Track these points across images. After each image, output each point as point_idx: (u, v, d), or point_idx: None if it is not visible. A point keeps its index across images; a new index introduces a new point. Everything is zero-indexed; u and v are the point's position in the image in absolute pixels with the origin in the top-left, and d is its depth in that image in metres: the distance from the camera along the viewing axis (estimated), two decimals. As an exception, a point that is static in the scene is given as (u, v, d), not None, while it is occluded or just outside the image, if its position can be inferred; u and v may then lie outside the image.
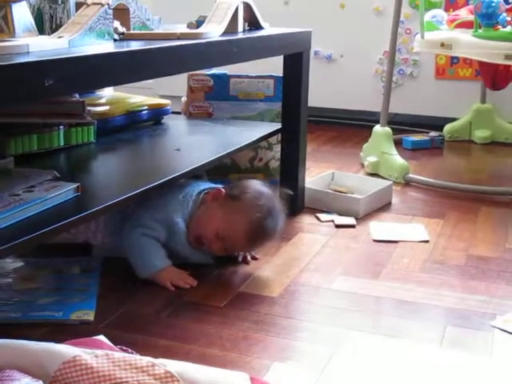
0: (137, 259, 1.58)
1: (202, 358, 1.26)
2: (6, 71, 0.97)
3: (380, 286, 1.60)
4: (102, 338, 1.13)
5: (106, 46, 1.33)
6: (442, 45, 2.40)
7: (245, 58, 1.67)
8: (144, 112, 2.02)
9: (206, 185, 1.73)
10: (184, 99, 2.32)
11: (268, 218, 1.61)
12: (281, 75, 2.13)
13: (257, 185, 1.69)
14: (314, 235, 1.93)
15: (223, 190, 1.66)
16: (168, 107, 2.10)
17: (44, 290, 1.52)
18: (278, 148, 2.28)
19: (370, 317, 1.46)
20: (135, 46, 1.37)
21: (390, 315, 1.47)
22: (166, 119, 2.12)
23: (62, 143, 1.72)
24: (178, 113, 2.30)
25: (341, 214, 2.07)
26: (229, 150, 1.76)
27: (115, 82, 1.27)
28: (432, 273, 1.68)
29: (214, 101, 2.29)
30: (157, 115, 2.07)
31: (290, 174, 2.08)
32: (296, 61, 1.96)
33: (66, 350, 1.02)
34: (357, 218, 2.04)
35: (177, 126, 2.10)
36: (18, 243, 1.10)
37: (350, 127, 3.39)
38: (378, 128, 2.58)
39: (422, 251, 1.82)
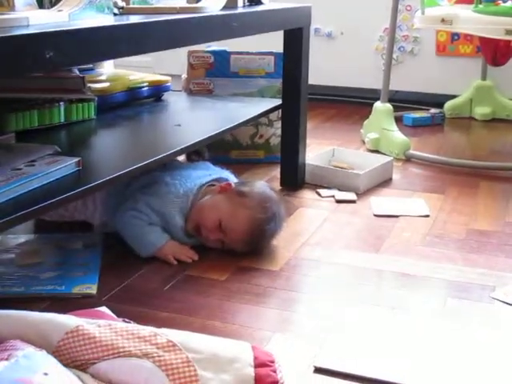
0: (133, 240, 1.59)
1: (204, 330, 1.27)
2: (6, 43, 0.97)
3: (381, 259, 1.61)
4: (104, 309, 1.14)
5: (106, 20, 1.33)
6: (443, 20, 2.39)
7: (245, 32, 1.67)
8: (144, 89, 2.02)
9: (208, 176, 1.72)
10: (184, 76, 2.32)
11: (271, 221, 1.61)
12: (281, 52, 2.12)
13: (266, 188, 1.69)
14: (315, 210, 1.94)
15: (233, 184, 1.65)
16: (168, 84, 2.10)
17: (46, 265, 1.52)
18: (278, 124, 2.29)
19: (371, 290, 1.47)
20: (135, 19, 1.37)
21: (390, 288, 1.48)
22: (166, 96, 2.12)
23: (62, 119, 1.72)
24: (178, 91, 2.30)
25: (341, 190, 2.07)
26: (229, 126, 1.76)
27: (115, 54, 1.26)
28: (432, 246, 1.69)
29: (214, 78, 2.30)
30: (157, 92, 2.08)
31: (290, 149, 2.08)
32: (296, 36, 1.96)
33: (68, 320, 1.02)
34: (357, 194, 2.05)
35: (177, 102, 2.11)
36: (20, 216, 1.11)
37: (350, 104, 3.39)
38: (378, 104, 2.58)
39: (423, 225, 1.82)
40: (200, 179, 1.69)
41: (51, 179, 1.28)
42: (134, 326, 1.04)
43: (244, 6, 1.79)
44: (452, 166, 2.35)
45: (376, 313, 1.37)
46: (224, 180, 1.72)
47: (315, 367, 1.17)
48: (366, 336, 1.28)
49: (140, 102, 2.02)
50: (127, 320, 1.20)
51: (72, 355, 1.00)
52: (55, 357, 0.98)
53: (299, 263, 1.59)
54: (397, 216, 1.89)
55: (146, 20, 1.29)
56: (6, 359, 0.93)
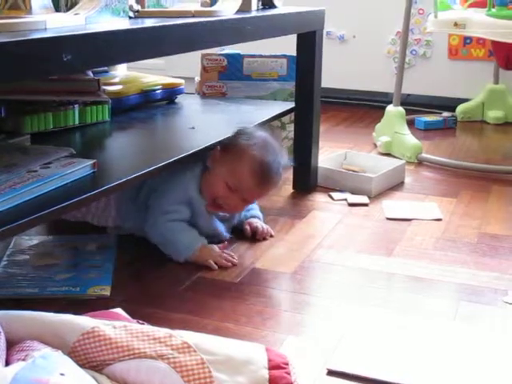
0: (170, 246, 1.59)
1: (217, 332, 1.28)
2: (24, 46, 0.98)
3: (393, 262, 1.62)
4: (119, 310, 1.15)
5: (122, 23, 1.34)
6: (456, 24, 2.40)
7: (258, 36, 1.68)
8: (158, 91, 2.03)
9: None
10: (197, 79, 2.33)
11: (265, 151, 1.61)
12: (294, 55, 2.13)
13: (244, 129, 1.68)
14: (327, 213, 1.94)
15: (218, 148, 1.65)
16: (182, 86, 2.11)
17: (61, 266, 1.54)
18: (291, 127, 2.30)
19: (384, 293, 1.47)
20: (150, 23, 1.38)
21: (403, 291, 1.48)
22: (179, 98, 2.13)
23: (77, 121, 1.74)
24: (191, 94, 2.31)
25: (354, 193, 2.08)
26: (244, 128, 1.76)
27: (131, 58, 1.27)
28: (445, 250, 1.69)
29: (227, 80, 2.31)
30: (171, 94, 2.09)
31: (303, 153, 2.09)
32: (309, 40, 1.96)
33: (84, 321, 1.03)
34: (370, 197, 2.05)
35: (191, 105, 2.12)
36: (36, 218, 1.12)
37: (362, 108, 3.39)
38: (390, 108, 2.58)
39: (435, 229, 1.82)
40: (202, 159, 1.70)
41: (67, 181, 1.29)
42: (149, 328, 1.05)
43: (258, 10, 1.80)
44: (464, 169, 2.35)
45: (389, 316, 1.37)
46: None
47: (328, 370, 1.17)
48: (379, 339, 1.28)
49: (154, 105, 2.03)
50: (141, 322, 1.21)
51: (88, 356, 1.01)
52: (71, 357, 0.99)
53: (312, 266, 1.60)
54: (409, 219, 1.89)
55: (162, 24, 1.30)
56: (23, 359, 0.94)
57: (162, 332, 1.04)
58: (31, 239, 1.68)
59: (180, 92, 2.11)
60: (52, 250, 1.62)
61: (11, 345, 1.01)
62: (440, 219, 1.90)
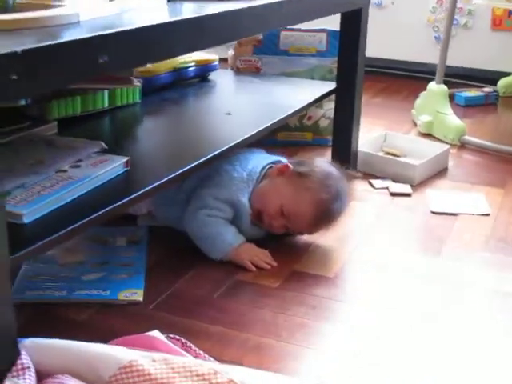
0: (207, 240, 1.48)
1: (259, 349, 1.20)
2: (58, 50, 0.87)
3: (442, 265, 1.52)
4: (156, 333, 1.05)
5: (160, 9, 1.23)
6: (507, -3, 2.24)
7: (301, 19, 1.55)
8: (191, 69, 1.91)
9: (266, 158, 1.64)
10: (231, 53, 2.20)
11: (336, 200, 1.52)
12: (334, 29, 2.00)
13: (325, 164, 1.59)
14: (368, 204, 1.83)
15: (290, 166, 1.55)
16: (215, 63, 1.98)
17: (89, 265, 1.45)
18: (328, 106, 2.18)
19: (433, 301, 1.37)
20: (188, 8, 1.26)
21: (455, 300, 1.37)
22: (212, 75, 2.01)
23: (106, 105, 1.63)
24: (224, 69, 2.18)
25: (395, 180, 1.96)
26: (283, 116, 1.65)
27: (172, 53, 1.16)
28: (496, 252, 1.58)
29: (262, 55, 2.18)
30: (204, 72, 1.96)
31: (343, 136, 1.97)
32: (354, 18, 1.83)
33: (121, 353, 0.94)
34: (412, 185, 1.94)
35: (224, 83, 1.99)
36: (68, 231, 1.03)
37: (398, 78, 3.23)
38: (433, 85, 2.44)
39: (484, 226, 1.71)
40: (260, 161, 1.61)
41: (99, 183, 1.19)
42: (191, 361, 0.96)
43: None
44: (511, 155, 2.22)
45: (440, 327, 1.28)
46: (282, 163, 1.63)
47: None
48: (427, 355, 1.19)
49: (186, 83, 1.91)
50: (178, 338, 1.12)
51: (125, 392, 0.92)
52: (107, 395, 0.91)
53: (354, 269, 1.50)
54: (455, 214, 1.78)
55: (202, 14, 1.17)
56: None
57: (205, 367, 0.95)
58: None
59: (213, 69, 1.99)
60: (78, 244, 1.52)
61: (42, 377, 0.93)
62: (488, 214, 1.78)
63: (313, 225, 1.53)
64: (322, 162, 1.62)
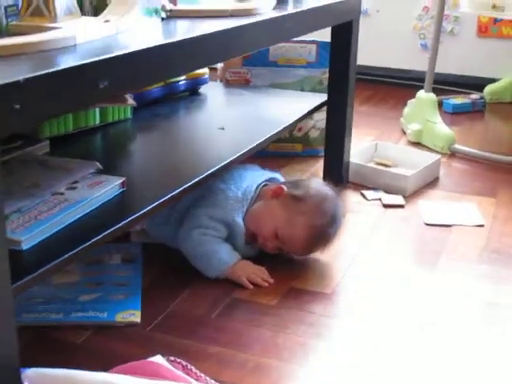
0: (202, 259, 1.47)
1: (259, 370, 1.19)
2: (60, 77, 0.86)
3: (439, 279, 1.51)
4: (158, 359, 1.04)
5: (154, 27, 1.22)
6: (494, 7, 2.25)
7: (297, 33, 1.55)
8: (182, 83, 1.90)
9: (261, 175, 1.63)
10: (220, 65, 2.19)
11: (331, 225, 1.51)
12: (324, 40, 1.99)
13: (320, 186, 1.58)
14: (362, 216, 1.83)
15: (285, 188, 1.54)
16: (206, 76, 1.97)
17: (84, 285, 1.43)
18: (318, 117, 2.18)
19: (432, 316, 1.37)
20: (184, 27, 1.25)
21: (455, 315, 1.37)
22: (202, 88, 1.99)
23: (97, 121, 1.62)
24: (213, 81, 2.17)
25: (386, 191, 1.96)
26: (277, 130, 1.64)
27: (170, 75, 1.16)
28: (491, 264, 1.58)
29: (251, 67, 2.17)
30: (194, 85, 1.95)
31: (335, 147, 1.96)
32: (345, 30, 1.83)
33: (126, 383, 0.93)
34: (404, 196, 1.94)
35: (215, 96, 1.98)
36: (67, 258, 1.01)
37: (385, 85, 3.23)
38: (422, 94, 2.45)
39: (478, 238, 1.71)
40: (254, 179, 1.60)
41: (96, 205, 1.18)
42: (196, 389, 0.95)
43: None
44: (500, 163, 2.23)
45: (437, 338, 1.28)
46: (277, 181, 1.62)
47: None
48: (424, 365, 1.19)
49: (176, 97, 1.90)
50: (178, 360, 1.11)
51: (129, 423, 0.91)
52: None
53: (351, 284, 1.49)
54: (449, 225, 1.78)
55: (200, 34, 1.15)
56: None
57: (210, 395, 0.93)
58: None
59: (204, 82, 1.98)
60: (72, 264, 1.50)
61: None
62: (482, 225, 1.78)
63: (307, 248, 1.53)
64: (318, 183, 1.61)
